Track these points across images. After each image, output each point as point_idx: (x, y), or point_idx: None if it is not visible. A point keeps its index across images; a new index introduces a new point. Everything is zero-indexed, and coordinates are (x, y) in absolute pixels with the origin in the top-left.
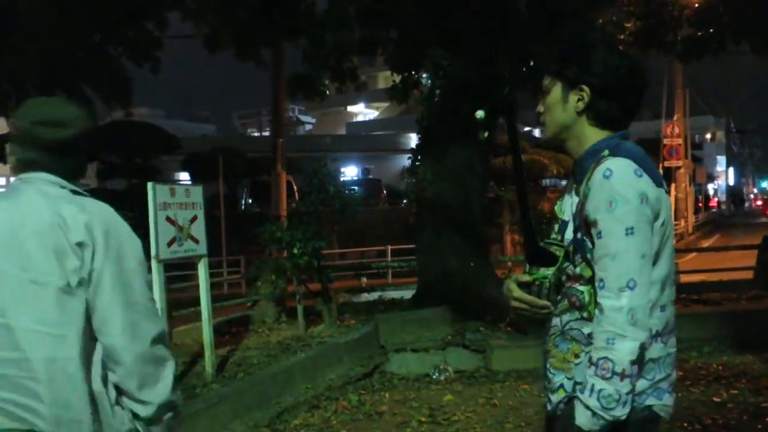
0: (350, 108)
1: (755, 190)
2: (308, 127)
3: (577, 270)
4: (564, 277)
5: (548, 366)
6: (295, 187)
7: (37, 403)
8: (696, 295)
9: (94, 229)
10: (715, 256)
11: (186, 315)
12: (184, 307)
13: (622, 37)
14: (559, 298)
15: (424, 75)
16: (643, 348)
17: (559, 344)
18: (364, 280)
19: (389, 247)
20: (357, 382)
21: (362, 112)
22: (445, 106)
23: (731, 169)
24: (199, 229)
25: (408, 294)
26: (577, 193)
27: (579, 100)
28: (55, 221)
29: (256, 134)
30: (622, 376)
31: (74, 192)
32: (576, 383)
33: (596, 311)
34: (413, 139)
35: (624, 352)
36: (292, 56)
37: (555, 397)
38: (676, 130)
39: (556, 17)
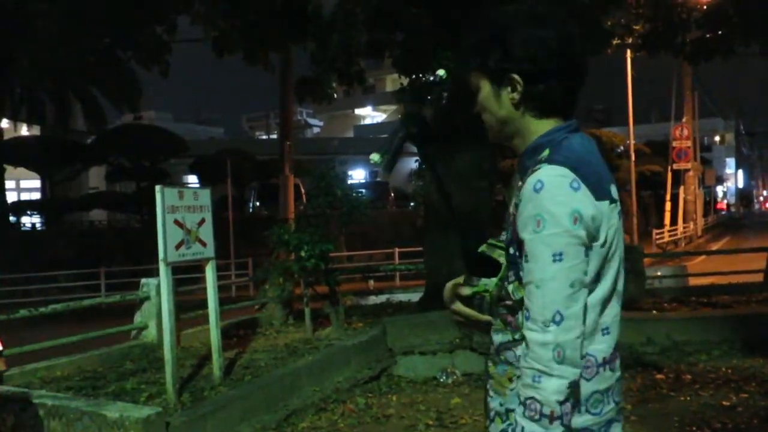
0: (358, 111)
1: (765, 193)
2: (316, 129)
3: (510, 288)
4: (503, 292)
5: (488, 387)
6: (302, 190)
7: None
8: (705, 298)
9: None
10: (725, 258)
11: (194, 318)
12: (192, 309)
13: (630, 39)
14: (497, 315)
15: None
16: (572, 386)
17: (498, 364)
18: (372, 282)
19: (397, 249)
20: (364, 385)
21: (370, 114)
22: (452, 108)
23: (740, 172)
24: (207, 232)
25: (416, 297)
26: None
27: (512, 91)
28: None
29: (264, 137)
30: (551, 418)
31: None
32: (508, 410)
33: (524, 343)
34: None
35: (550, 391)
36: (300, 59)
37: (493, 429)
38: (685, 132)
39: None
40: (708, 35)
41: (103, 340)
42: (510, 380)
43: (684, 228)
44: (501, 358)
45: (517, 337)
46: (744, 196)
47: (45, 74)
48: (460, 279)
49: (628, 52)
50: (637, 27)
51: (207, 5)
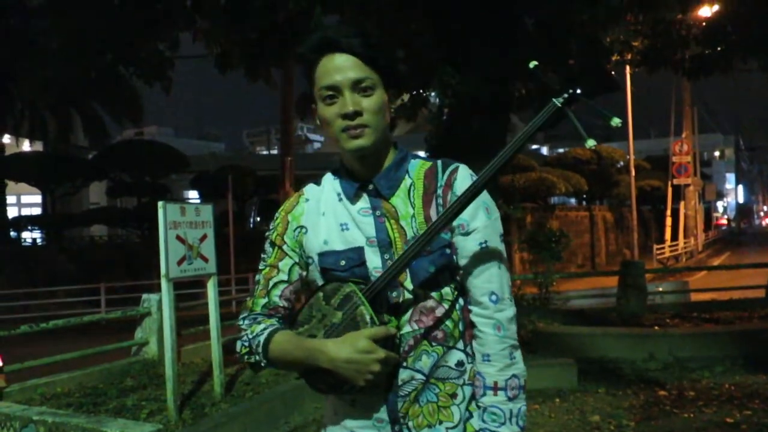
0: None
1: (765, 208)
2: (317, 145)
3: (445, 291)
4: (410, 316)
5: (410, 427)
6: None
7: None
8: (707, 313)
9: None
10: (726, 274)
11: (194, 333)
12: (193, 325)
13: (629, 56)
14: (410, 344)
15: (432, 93)
16: None
17: (420, 398)
18: None
19: None
20: None
21: None
22: (453, 125)
23: (740, 187)
24: (208, 248)
25: None
26: (376, 210)
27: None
28: None
29: (264, 152)
30: (524, 387)
31: None
32: (466, 421)
33: (488, 330)
34: None
35: (521, 361)
36: (301, 75)
37: None
38: (685, 147)
39: (562, 36)
40: (707, 52)
41: (103, 356)
42: (454, 395)
43: (685, 243)
44: (431, 382)
45: (450, 345)
46: (744, 211)
47: (47, 90)
48: (368, 330)
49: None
50: (636, 43)
51: (209, 22)
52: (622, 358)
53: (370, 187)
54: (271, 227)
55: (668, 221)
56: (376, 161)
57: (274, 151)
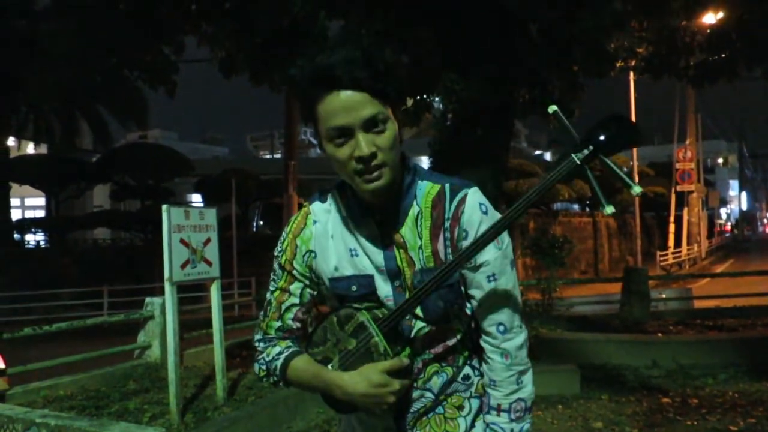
0: None
1: None
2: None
3: (455, 325)
4: (422, 343)
5: None
6: None
7: None
8: (711, 321)
9: None
10: (730, 281)
11: (197, 337)
12: (195, 329)
13: (633, 63)
14: (419, 367)
15: (436, 99)
16: None
17: (428, 411)
18: None
19: None
20: None
21: None
22: (457, 130)
23: (744, 194)
24: (212, 252)
25: None
26: (385, 239)
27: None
28: None
29: (268, 156)
30: (530, 409)
31: None
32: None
33: (496, 358)
34: (425, 163)
35: (530, 384)
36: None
37: None
38: (689, 154)
39: (566, 43)
40: (712, 59)
41: (106, 359)
42: (461, 407)
43: (688, 250)
44: (440, 399)
45: (460, 363)
46: (748, 218)
47: (53, 93)
48: (383, 363)
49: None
50: (640, 50)
51: (214, 27)
52: (625, 364)
53: (377, 216)
54: (279, 249)
55: (671, 228)
56: (388, 191)
57: (278, 155)
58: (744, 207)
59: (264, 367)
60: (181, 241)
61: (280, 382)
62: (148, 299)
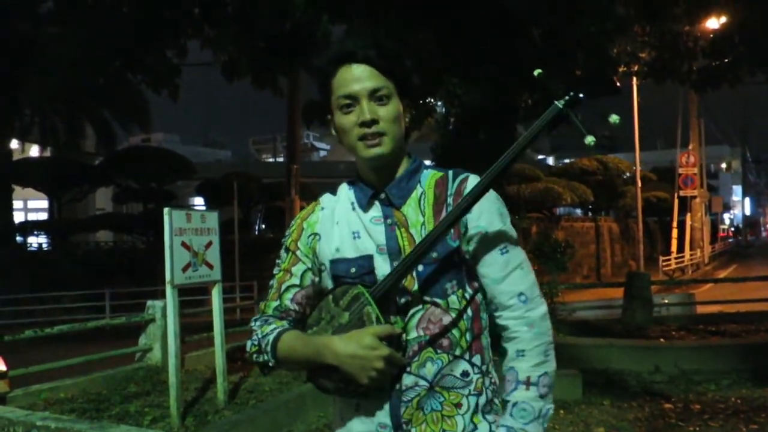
0: None
1: None
2: (322, 153)
3: (451, 303)
4: (417, 322)
5: None
6: None
7: None
8: (714, 326)
9: None
10: (733, 286)
11: (198, 340)
12: (196, 332)
13: (636, 67)
14: (415, 350)
15: (439, 102)
16: None
17: (425, 406)
18: None
19: None
20: None
21: None
22: (459, 134)
23: (747, 199)
24: (213, 255)
25: None
26: (387, 219)
27: (406, 105)
28: None
29: (270, 160)
30: (553, 387)
31: None
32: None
33: (522, 329)
34: None
35: (554, 359)
36: (308, 83)
37: None
38: (692, 159)
39: (569, 46)
40: (714, 63)
41: (107, 362)
42: (458, 405)
43: (691, 255)
44: (436, 389)
45: (457, 353)
46: (751, 223)
47: (56, 96)
48: (373, 327)
49: (635, 79)
50: (643, 55)
51: (217, 30)
52: (628, 370)
53: (382, 196)
54: (286, 233)
55: (674, 233)
56: (390, 171)
57: (280, 159)
58: (747, 212)
59: (256, 343)
60: (183, 244)
61: (270, 360)
62: (149, 302)
